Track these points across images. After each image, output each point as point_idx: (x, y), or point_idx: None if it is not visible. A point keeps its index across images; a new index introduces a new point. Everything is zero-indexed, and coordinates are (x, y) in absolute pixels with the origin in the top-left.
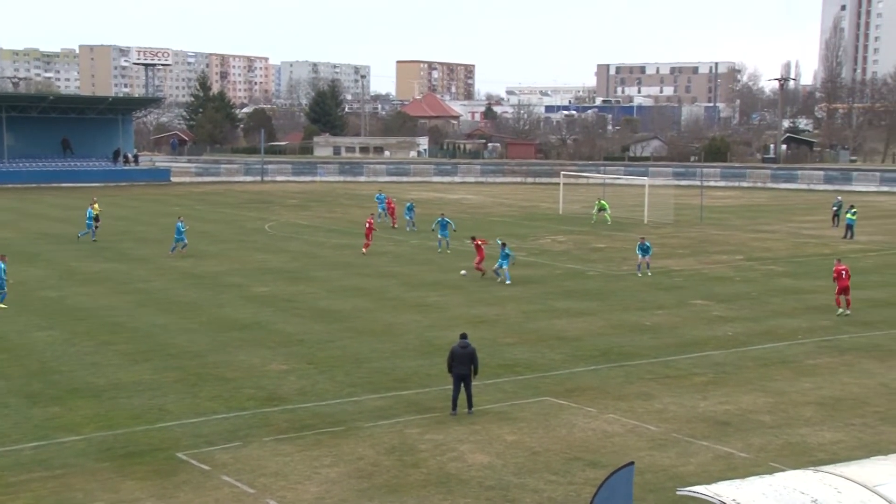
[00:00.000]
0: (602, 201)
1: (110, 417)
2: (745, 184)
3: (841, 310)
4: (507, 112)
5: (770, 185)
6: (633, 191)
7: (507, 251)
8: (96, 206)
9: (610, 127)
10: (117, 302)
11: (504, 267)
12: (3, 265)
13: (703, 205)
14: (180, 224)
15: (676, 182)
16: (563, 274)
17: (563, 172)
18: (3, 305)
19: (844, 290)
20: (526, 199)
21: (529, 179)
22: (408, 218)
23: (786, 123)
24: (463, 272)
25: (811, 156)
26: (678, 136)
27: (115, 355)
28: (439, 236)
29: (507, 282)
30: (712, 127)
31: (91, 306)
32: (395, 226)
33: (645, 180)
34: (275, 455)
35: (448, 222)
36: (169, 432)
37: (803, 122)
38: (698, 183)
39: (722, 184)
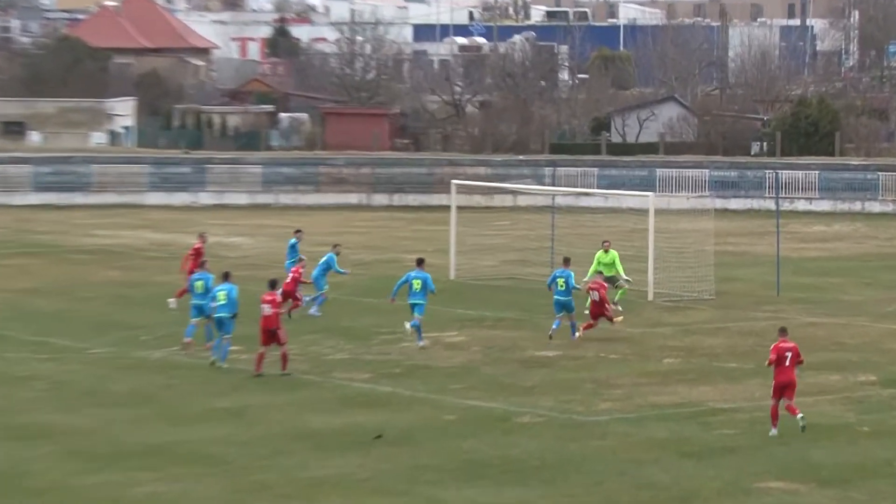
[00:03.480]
0: (609, 251)
1: None
2: (875, 205)
3: (774, 431)
4: (322, 42)
5: None
6: (622, 222)
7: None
8: None
9: (565, 76)
10: None
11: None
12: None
13: (782, 255)
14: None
15: (721, 202)
16: (459, 420)
17: (454, 182)
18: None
19: (786, 388)
20: (369, 242)
21: (378, 198)
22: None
23: None
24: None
25: None
26: (721, 93)
27: None
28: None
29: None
30: (798, 74)
31: None
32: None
33: (647, 199)
34: None
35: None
36: None
37: None
38: (770, 206)
39: (824, 205)
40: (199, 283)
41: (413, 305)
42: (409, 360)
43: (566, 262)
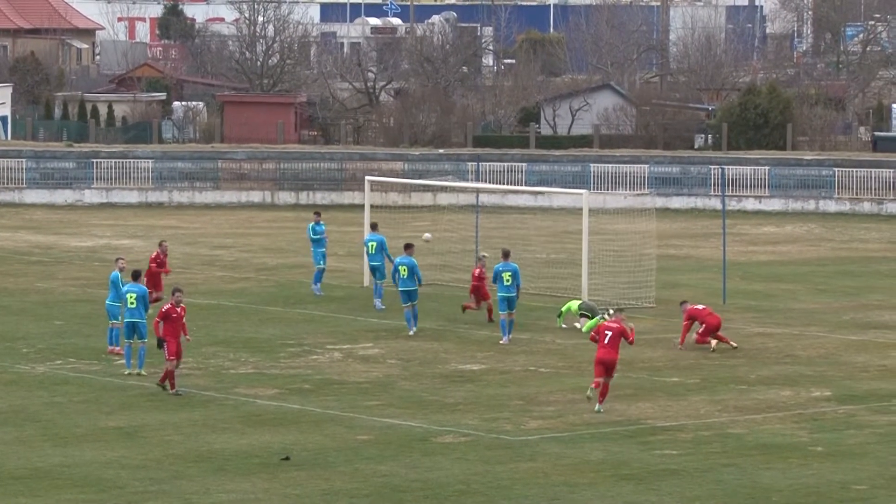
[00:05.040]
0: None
1: None
2: (830, 204)
3: (593, 398)
4: (219, 22)
5: (891, 207)
6: (553, 222)
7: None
8: None
9: (489, 61)
10: None
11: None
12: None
13: (729, 259)
14: None
15: (662, 200)
16: (374, 441)
17: (368, 178)
18: None
19: (604, 365)
20: (273, 245)
21: (283, 196)
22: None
23: None
24: None
25: None
26: (662, 80)
27: None
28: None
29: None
30: (746, 59)
31: None
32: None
33: (581, 198)
34: None
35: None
36: None
37: None
38: (715, 205)
39: (774, 204)
40: (131, 296)
41: (404, 293)
42: (319, 375)
43: (506, 255)
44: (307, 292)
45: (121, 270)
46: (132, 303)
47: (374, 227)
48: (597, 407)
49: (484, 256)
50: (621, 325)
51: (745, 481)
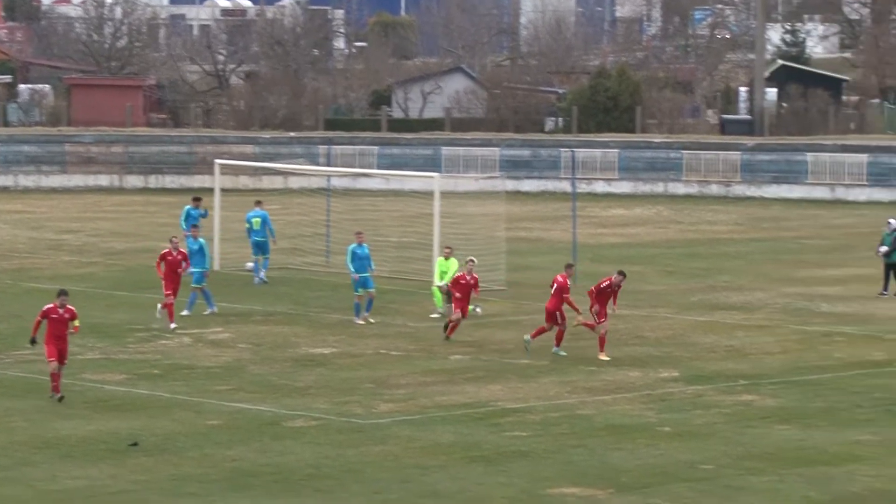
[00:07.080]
0: (449, 259)
1: None
2: (679, 187)
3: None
4: (66, 4)
5: (738, 189)
6: (405, 206)
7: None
8: None
9: (341, 44)
10: None
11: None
12: None
13: (579, 242)
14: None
15: (513, 183)
16: (224, 426)
17: (217, 161)
18: None
19: (550, 316)
20: (121, 229)
21: (131, 180)
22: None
23: (775, 36)
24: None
25: (839, 115)
26: (513, 64)
27: None
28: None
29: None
30: (596, 43)
31: None
32: None
33: (432, 181)
34: None
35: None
36: None
37: (816, 36)
38: (565, 187)
39: (624, 187)
40: None
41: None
42: (168, 360)
43: (358, 235)
44: (156, 277)
45: None
46: None
47: (258, 203)
48: (555, 349)
49: (471, 260)
50: (565, 281)
51: (594, 462)
